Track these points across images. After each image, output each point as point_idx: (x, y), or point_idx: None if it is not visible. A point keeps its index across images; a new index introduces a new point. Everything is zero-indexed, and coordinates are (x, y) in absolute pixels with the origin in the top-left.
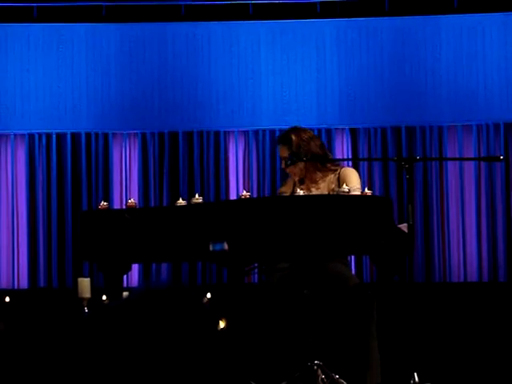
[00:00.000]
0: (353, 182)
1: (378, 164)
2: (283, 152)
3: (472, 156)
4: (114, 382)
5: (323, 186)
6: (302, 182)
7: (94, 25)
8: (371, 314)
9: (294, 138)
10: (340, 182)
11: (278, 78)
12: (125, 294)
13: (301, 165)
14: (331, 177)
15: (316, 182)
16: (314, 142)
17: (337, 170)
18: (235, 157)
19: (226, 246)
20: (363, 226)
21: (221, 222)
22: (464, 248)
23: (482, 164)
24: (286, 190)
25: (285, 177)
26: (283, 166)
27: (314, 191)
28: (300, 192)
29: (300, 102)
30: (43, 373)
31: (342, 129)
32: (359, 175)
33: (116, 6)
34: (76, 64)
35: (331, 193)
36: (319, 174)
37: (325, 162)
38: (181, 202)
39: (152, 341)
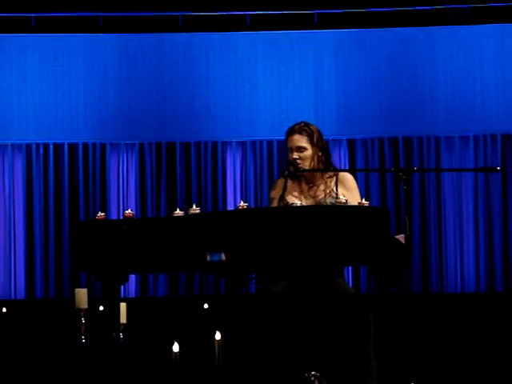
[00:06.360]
0: (353, 191)
1: (375, 175)
2: (301, 142)
3: (469, 167)
4: None
5: (321, 189)
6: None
7: (92, 35)
8: (368, 324)
9: (315, 130)
10: (338, 185)
11: (275, 89)
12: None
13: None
14: (328, 180)
15: (316, 186)
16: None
17: (334, 175)
18: (233, 167)
19: (223, 257)
20: (360, 236)
21: (218, 233)
22: (461, 258)
23: (479, 175)
24: (275, 195)
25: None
26: (295, 156)
27: (310, 195)
28: (297, 202)
29: (297, 113)
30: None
31: (340, 140)
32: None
33: (113, 16)
34: (73, 74)
35: (327, 196)
36: (320, 178)
37: (324, 171)
38: (178, 212)
39: None
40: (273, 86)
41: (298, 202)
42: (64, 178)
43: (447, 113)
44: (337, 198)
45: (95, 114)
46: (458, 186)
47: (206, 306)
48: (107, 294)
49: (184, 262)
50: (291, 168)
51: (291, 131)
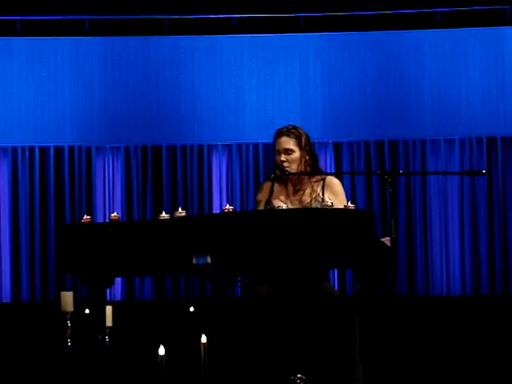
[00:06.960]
0: (339, 196)
1: (361, 178)
2: (289, 144)
3: (455, 170)
4: None
5: (307, 194)
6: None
7: (78, 38)
8: (354, 327)
9: (303, 133)
10: (324, 190)
11: (261, 92)
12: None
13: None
14: (315, 185)
15: (302, 190)
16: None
17: (321, 179)
18: (218, 171)
19: (209, 260)
20: (346, 239)
21: (204, 236)
22: (447, 261)
23: (465, 178)
24: (262, 198)
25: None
26: (283, 159)
27: (296, 199)
28: (283, 205)
29: (283, 116)
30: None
31: (326, 142)
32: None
33: (99, 19)
34: (59, 78)
35: (313, 201)
36: (307, 182)
37: (310, 175)
38: (164, 215)
39: None
40: (258, 89)
41: (283, 206)
42: (50, 181)
43: (433, 116)
44: (323, 201)
45: (81, 117)
46: (444, 189)
47: (191, 309)
48: (93, 298)
49: (170, 265)
50: (278, 172)
51: (279, 133)
